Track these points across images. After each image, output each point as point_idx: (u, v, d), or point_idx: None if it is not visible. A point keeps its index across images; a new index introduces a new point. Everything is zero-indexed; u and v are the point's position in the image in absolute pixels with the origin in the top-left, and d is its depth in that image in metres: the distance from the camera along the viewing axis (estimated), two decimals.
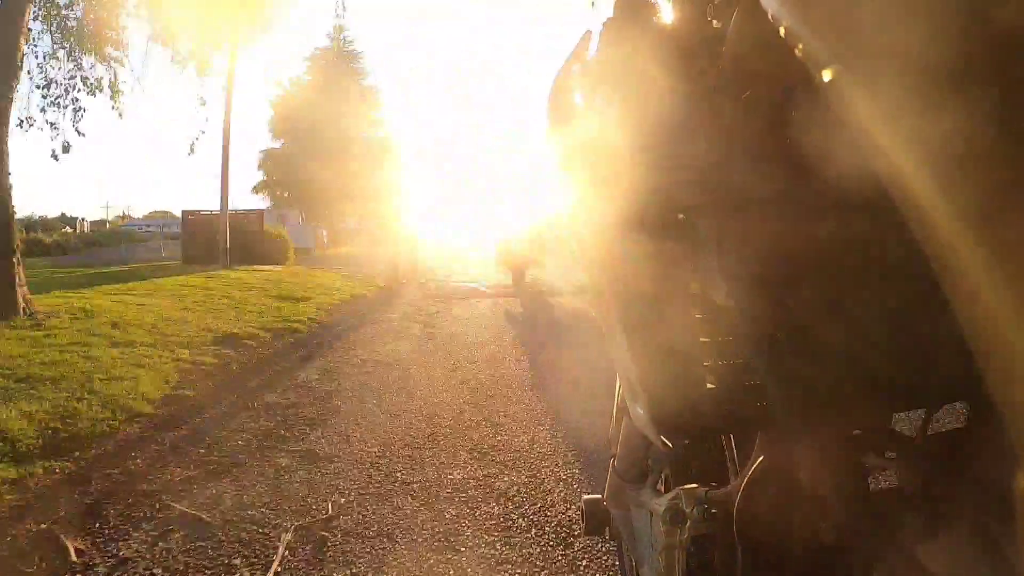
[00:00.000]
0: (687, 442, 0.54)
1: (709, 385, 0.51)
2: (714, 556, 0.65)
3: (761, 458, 0.59)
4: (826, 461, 0.56)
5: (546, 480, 2.38)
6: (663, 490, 0.74)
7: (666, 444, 0.52)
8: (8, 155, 5.34)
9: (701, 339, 0.51)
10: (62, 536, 1.90)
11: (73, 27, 7.58)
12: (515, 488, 2.31)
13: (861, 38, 0.27)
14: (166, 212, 45.34)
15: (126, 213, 48.67)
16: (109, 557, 1.83)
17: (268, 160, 28.55)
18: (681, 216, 0.50)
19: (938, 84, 0.25)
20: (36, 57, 7.65)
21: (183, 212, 15.47)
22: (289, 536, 1.93)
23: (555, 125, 0.50)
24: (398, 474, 2.45)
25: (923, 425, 0.55)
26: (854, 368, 0.47)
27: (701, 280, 0.50)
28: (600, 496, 0.89)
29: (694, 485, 0.65)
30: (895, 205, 0.26)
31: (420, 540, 1.94)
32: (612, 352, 0.54)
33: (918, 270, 0.27)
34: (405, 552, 1.87)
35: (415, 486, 2.33)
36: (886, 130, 0.25)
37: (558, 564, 1.80)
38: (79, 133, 7.93)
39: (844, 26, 0.28)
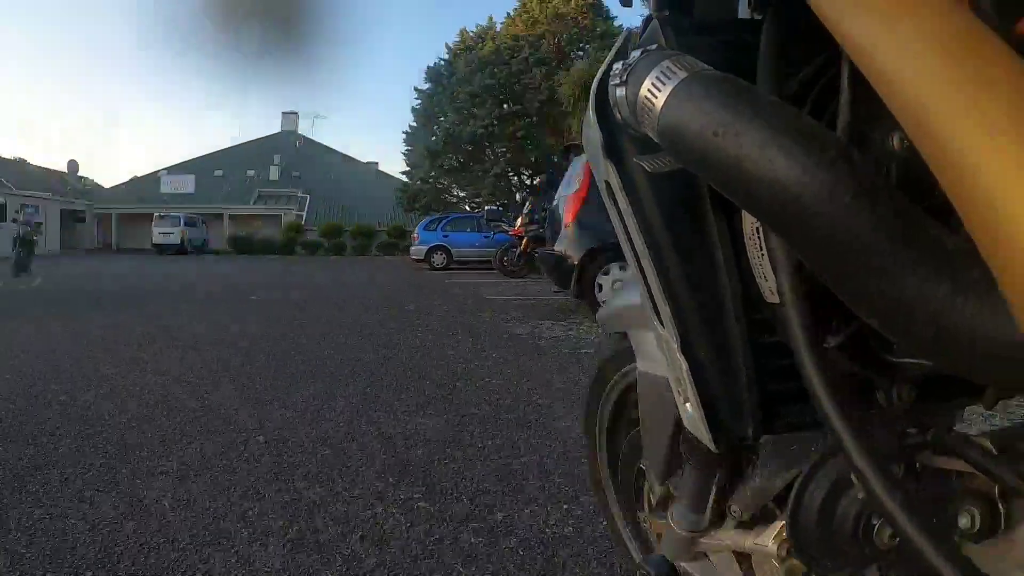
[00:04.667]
0: (741, 443, 0.52)
1: (766, 384, 0.50)
2: None
3: (813, 464, 0.55)
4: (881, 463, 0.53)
5: None
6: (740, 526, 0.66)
7: (719, 446, 0.51)
8: None
9: (753, 336, 0.51)
10: None
11: None
12: None
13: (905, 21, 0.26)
14: None
15: None
16: None
17: None
18: (727, 209, 0.49)
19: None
20: None
21: None
22: None
23: (599, 118, 0.51)
24: None
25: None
26: (909, 368, 0.45)
27: (748, 275, 0.50)
28: (659, 555, 0.78)
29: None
30: (944, 192, 0.25)
31: None
32: (664, 351, 0.54)
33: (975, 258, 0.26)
34: None
35: None
36: (930, 120, 0.25)
37: None
38: None
39: (885, 11, 0.27)
